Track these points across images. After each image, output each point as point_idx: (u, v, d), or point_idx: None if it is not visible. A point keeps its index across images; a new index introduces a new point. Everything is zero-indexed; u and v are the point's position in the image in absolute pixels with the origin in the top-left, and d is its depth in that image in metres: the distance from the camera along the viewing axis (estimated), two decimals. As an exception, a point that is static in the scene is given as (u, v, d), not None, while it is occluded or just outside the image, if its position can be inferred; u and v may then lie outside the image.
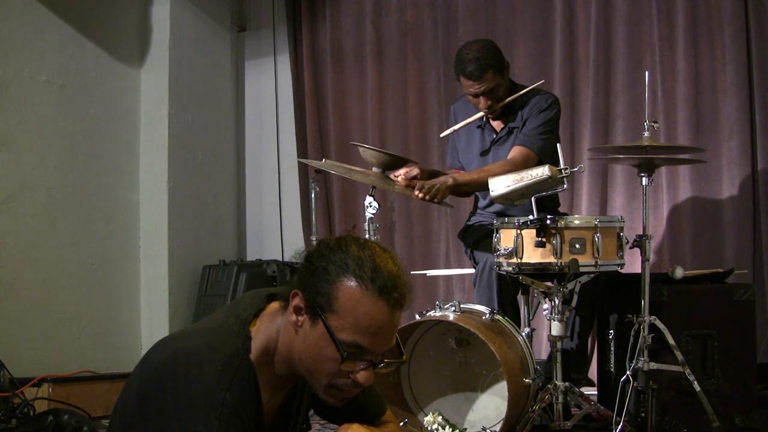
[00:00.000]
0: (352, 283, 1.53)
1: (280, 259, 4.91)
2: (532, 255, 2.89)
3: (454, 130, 3.48)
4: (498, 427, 2.84)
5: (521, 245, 2.90)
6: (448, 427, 2.98)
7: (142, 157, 4.65)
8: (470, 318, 2.93)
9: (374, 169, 3.20)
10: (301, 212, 5.06)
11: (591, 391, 3.30)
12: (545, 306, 2.92)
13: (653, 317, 2.94)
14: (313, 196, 4.58)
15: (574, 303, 2.95)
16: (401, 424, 2.94)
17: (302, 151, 5.07)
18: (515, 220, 2.95)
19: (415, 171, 3.22)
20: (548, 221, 2.84)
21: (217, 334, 1.60)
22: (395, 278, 1.55)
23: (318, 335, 1.55)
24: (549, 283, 2.95)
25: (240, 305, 1.68)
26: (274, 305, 1.66)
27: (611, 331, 3.24)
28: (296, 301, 1.58)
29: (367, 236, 3.20)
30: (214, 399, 1.50)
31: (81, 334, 4.23)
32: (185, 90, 4.74)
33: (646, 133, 2.96)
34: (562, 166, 2.82)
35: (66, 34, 4.21)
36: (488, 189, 2.95)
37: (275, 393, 1.68)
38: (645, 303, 2.94)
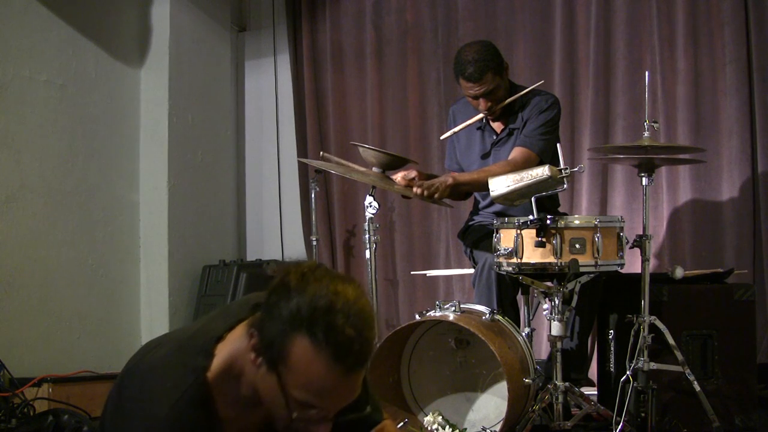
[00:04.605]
0: (305, 341, 1.42)
1: (280, 259, 4.91)
2: (532, 255, 2.89)
3: (455, 132, 3.47)
4: (498, 427, 2.84)
5: (521, 245, 2.90)
6: (448, 427, 2.98)
7: (142, 157, 4.64)
8: (470, 318, 2.93)
9: (374, 169, 3.20)
10: (301, 212, 5.06)
11: (591, 391, 3.29)
12: (545, 306, 2.92)
13: (653, 317, 2.94)
14: (313, 196, 4.58)
15: (574, 303, 2.95)
16: (401, 424, 2.95)
17: (302, 151, 5.07)
18: (515, 220, 2.95)
19: (413, 173, 3.22)
20: (548, 221, 2.84)
21: (181, 349, 1.60)
22: (352, 340, 1.43)
23: (272, 383, 1.48)
24: (549, 283, 2.95)
25: (228, 310, 1.65)
26: (242, 326, 1.59)
27: (611, 331, 3.23)
28: (254, 341, 1.50)
29: (367, 236, 3.20)
30: (153, 415, 1.51)
31: (81, 334, 4.23)
32: (185, 90, 4.74)
33: (646, 133, 2.96)
34: (562, 166, 2.82)
35: (66, 34, 4.21)
36: (488, 189, 2.95)
37: (248, 409, 1.60)
38: (645, 303, 2.94)
